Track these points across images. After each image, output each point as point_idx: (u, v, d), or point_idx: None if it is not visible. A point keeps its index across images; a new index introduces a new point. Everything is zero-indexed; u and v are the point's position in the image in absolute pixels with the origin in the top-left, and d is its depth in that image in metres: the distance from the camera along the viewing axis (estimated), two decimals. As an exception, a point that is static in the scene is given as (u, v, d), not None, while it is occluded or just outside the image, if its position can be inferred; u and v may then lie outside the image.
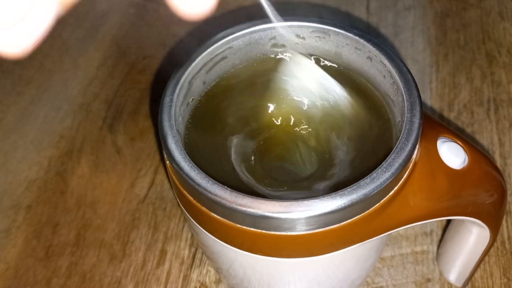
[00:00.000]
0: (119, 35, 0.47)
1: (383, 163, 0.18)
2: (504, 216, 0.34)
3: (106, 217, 0.35)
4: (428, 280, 0.31)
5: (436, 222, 0.33)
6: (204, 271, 0.32)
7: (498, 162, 0.37)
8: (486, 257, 0.32)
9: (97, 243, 0.34)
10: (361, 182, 0.18)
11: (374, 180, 0.18)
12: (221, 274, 0.28)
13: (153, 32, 0.47)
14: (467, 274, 0.28)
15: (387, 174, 0.18)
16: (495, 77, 0.42)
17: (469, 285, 0.31)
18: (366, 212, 0.18)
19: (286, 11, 0.23)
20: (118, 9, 0.49)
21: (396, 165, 0.18)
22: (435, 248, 0.32)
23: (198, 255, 0.33)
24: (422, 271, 0.32)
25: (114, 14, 0.49)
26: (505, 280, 0.31)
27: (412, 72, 0.21)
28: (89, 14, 0.49)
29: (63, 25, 0.48)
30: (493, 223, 0.23)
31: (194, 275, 0.32)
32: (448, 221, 0.32)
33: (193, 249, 0.33)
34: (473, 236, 0.25)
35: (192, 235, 0.34)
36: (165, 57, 0.45)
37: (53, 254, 0.33)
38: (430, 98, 0.41)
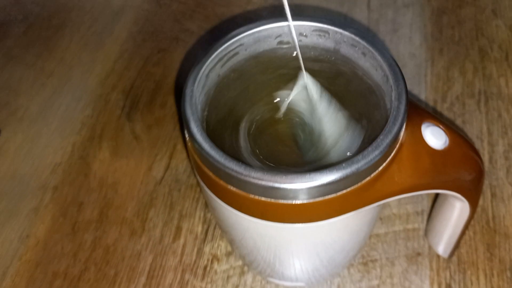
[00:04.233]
0: (134, 30, 0.49)
1: (373, 143, 0.21)
2: (490, 198, 0.36)
3: (126, 197, 0.38)
4: (418, 254, 0.34)
5: (427, 203, 0.36)
6: (216, 245, 0.35)
7: (486, 149, 0.39)
8: (472, 234, 0.35)
9: (118, 220, 0.36)
10: (354, 159, 0.21)
11: (365, 157, 0.21)
12: (234, 245, 0.31)
13: (167, 27, 0.49)
14: (452, 245, 0.31)
15: (376, 152, 0.21)
16: (486, 71, 0.43)
17: (456, 259, 0.34)
18: (358, 184, 0.21)
19: (290, 8, 0.26)
20: (133, 6, 0.51)
21: (384, 144, 0.21)
22: (425, 226, 0.35)
23: (210, 231, 0.36)
24: (413, 246, 0.34)
25: (129, 10, 0.51)
26: (488, 254, 0.34)
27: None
28: (106, 11, 0.51)
29: (81, 21, 0.51)
30: (472, 198, 0.26)
31: (207, 249, 0.35)
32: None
33: (205, 226, 0.36)
34: (456, 210, 0.28)
35: (204, 214, 0.37)
36: (178, 50, 0.48)
37: (78, 229, 0.36)
38: (425, 90, 0.43)
